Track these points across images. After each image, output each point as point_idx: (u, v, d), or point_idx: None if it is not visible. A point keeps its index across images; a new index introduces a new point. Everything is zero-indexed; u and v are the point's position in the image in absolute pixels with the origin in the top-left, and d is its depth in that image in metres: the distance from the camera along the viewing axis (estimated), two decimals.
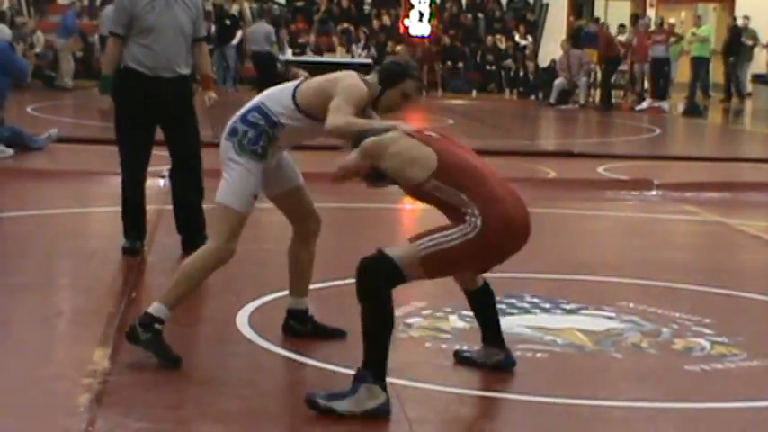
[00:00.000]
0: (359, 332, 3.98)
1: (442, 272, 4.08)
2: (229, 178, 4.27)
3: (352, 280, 4.06)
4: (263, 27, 17.89)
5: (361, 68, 20.96)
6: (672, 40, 19.69)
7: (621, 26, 21.25)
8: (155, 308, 4.26)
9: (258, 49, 17.79)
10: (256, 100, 4.48)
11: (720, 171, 12.24)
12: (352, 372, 4.02)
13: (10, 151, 10.10)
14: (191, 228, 6.43)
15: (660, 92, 19.42)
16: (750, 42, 20.58)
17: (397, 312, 5.49)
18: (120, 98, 6.24)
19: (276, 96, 4.46)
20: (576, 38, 20.85)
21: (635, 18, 21.02)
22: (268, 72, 17.09)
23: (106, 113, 6.49)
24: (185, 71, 6.25)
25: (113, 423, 3.75)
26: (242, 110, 4.45)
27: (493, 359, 4.64)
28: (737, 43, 20.35)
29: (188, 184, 6.50)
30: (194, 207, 6.48)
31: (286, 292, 5.18)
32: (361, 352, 3.95)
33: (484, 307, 4.58)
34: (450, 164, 3.95)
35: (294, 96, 4.36)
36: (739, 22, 20.65)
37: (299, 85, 4.43)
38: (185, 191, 6.52)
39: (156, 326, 4.18)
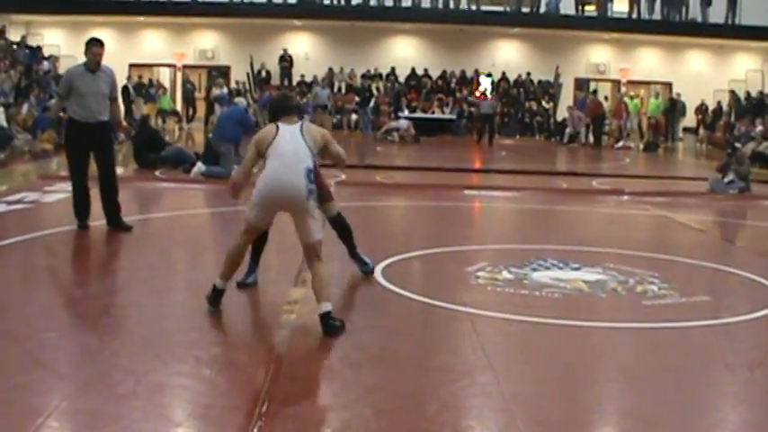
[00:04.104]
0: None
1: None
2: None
3: None
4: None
5: (448, 122, 28.46)
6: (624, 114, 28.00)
7: (605, 98, 29.31)
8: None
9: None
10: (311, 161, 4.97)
11: (664, 184, 15.34)
12: None
13: None
14: (110, 211, 8.29)
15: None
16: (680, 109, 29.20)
17: (469, 268, 6.69)
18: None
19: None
20: (578, 104, 28.05)
21: (584, 84, 30.24)
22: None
23: None
24: None
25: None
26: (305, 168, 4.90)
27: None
28: (674, 108, 28.83)
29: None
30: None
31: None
32: None
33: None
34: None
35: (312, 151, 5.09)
36: (675, 96, 29.28)
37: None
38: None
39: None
